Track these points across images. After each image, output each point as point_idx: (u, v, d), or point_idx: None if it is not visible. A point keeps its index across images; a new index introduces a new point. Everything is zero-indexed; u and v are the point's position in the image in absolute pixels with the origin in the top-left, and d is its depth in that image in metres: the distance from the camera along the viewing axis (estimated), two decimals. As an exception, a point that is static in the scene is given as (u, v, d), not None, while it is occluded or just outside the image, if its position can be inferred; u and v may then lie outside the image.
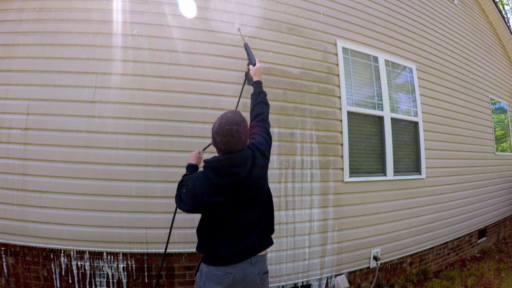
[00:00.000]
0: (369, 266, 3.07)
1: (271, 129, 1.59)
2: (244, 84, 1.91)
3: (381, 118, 3.28)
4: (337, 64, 3.04)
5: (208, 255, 1.36)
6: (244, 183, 1.30)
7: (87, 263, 2.25)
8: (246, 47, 1.94)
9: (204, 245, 1.39)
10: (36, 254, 2.25)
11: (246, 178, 1.30)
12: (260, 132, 1.50)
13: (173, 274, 2.33)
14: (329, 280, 2.80)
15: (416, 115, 3.64)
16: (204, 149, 1.91)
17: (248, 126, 1.44)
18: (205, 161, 1.33)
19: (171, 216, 2.31)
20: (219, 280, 1.30)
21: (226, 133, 1.27)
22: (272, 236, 1.51)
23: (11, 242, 2.25)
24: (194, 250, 2.35)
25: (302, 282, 2.68)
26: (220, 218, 1.34)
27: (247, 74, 1.84)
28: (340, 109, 2.98)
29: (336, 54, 3.05)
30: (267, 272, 1.43)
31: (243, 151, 1.31)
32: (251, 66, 1.80)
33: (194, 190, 1.31)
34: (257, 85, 1.73)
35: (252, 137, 1.47)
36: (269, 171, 2.54)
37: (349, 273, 2.94)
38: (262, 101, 1.65)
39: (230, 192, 1.29)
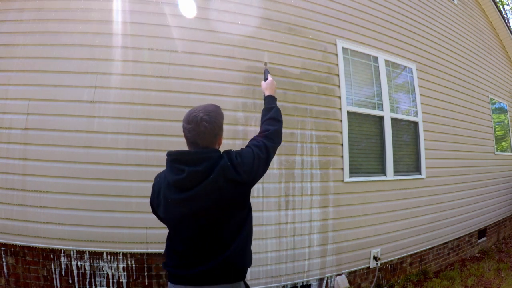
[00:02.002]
0: (369, 266, 3.07)
1: None
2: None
3: (381, 118, 3.28)
4: (337, 64, 3.04)
5: (167, 270, 1.21)
6: (193, 189, 1.08)
7: (87, 263, 2.25)
8: (266, 71, 1.84)
9: (164, 256, 1.24)
10: (36, 254, 2.25)
11: (197, 183, 1.08)
12: (252, 145, 1.26)
13: (173, 274, 2.33)
14: (329, 280, 2.80)
15: (416, 115, 3.63)
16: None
17: (222, 122, 1.24)
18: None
19: (171, 216, 2.32)
20: None
21: (192, 119, 1.13)
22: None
23: (11, 242, 2.25)
24: (194, 250, 2.35)
25: (302, 282, 2.68)
26: (171, 224, 1.20)
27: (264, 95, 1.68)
28: (340, 109, 2.98)
29: (336, 54, 3.05)
30: None
31: (204, 150, 1.13)
32: (262, 82, 1.69)
33: (154, 186, 1.24)
34: (269, 100, 1.55)
35: (242, 148, 1.27)
36: (269, 171, 2.57)
37: (349, 273, 2.94)
38: (271, 117, 1.41)
39: (179, 193, 1.10)
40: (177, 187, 1.11)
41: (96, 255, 2.26)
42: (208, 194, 1.08)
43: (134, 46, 2.40)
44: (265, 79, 1.71)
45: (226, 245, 1.14)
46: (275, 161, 2.60)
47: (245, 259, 1.21)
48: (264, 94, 1.65)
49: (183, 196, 1.10)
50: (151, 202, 1.27)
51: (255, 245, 2.47)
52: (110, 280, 2.26)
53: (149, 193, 2.37)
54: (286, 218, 2.62)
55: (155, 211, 1.28)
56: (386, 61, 3.44)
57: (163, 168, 2.38)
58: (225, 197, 1.11)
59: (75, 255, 2.25)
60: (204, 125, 1.13)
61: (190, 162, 1.10)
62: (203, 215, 1.11)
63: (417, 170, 3.60)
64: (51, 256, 2.24)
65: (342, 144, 2.94)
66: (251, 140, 1.33)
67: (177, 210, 1.12)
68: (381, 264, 3.14)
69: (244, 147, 1.28)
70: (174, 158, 1.13)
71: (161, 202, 1.17)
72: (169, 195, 1.13)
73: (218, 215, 1.12)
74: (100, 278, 2.26)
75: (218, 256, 1.12)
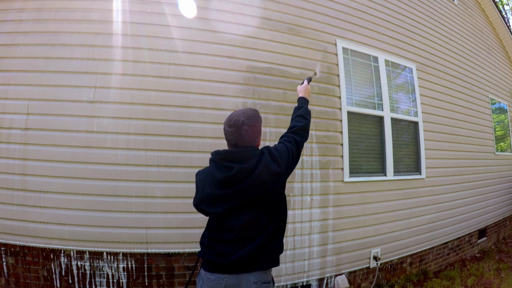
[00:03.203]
0: (369, 266, 3.07)
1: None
2: None
3: (381, 118, 3.28)
4: (337, 64, 3.04)
5: (204, 259, 1.32)
6: (242, 183, 1.21)
7: (87, 263, 2.25)
8: (307, 78, 1.97)
9: (202, 246, 1.34)
10: (36, 254, 2.25)
11: (244, 178, 1.21)
12: (284, 141, 1.41)
13: (173, 274, 2.33)
14: (329, 280, 2.80)
15: (416, 115, 3.63)
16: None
17: (261, 126, 1.36)
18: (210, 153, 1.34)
19: (171, 216, 2.33)
20: (212, 285, 1.26)
21: (233, 123, 1.26)
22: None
23: (11, 242, 2.25)
24: (194, 250, 2.35)
25: (302, 282, 2.68)
26: (216, 217, 1.30)
27: None
28: (340, 109, 2.98)
29: (336, 54, 3.05)
30: (269, 282, 1.28)
31: (248, 148, 1.26)
32: (298, 86, 1.85)
33: (198, 183, 1.34)
34: (300, 100, 1.72)
35: (275, 144, 1.41)
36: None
37: (349, 273, 2.94)
38: (300, 115, 1.58)
39: (227, 188, 1.23)
40: (225, 183, 1.23)
41: (96, 255, 2.26)
42: (253, 187, 1.21)
43: (134, 46, 2.40)
44: (301, 83, 1.89)
45: (263, 231, 1.25)
46: (275, 161, 2.60)
47: (279, 244, 1.31)
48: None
49: (230, 191, 1.22)
50: (195, 199, 1.37)
51: (255, 245, 2.47)
52: (110, 280, 2.26)
53: (148, 193, 2.42)
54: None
55: (197, 206, 1.37)
56: (386, 61, 3.44)
57: (163, 168, 2.42)
58: (267, 188, 1.24)
59: (75, 255, 2.25)
60: (245, 128, 1.25)
61: (238, 159, 1.23)
62: (248, 206, 1.23)
63: (417, 170, 3.59)
64: (51, 256, 2.24)
65: (342, 144, 2.94)
66: (282, 137, 1.47)
67: (224, 203, 1.24)
68: (381, 264, 3.14)
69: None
70: (223, 157, 1.26)
71: (206, 198, 1.28)
72: (216, 191, 1.25)
73: (261, 204, 1.25)
74: (100, 278, 2.26)
75: (255, 240, 1.23)
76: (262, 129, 2.58)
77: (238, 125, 1.25)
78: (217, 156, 1.28)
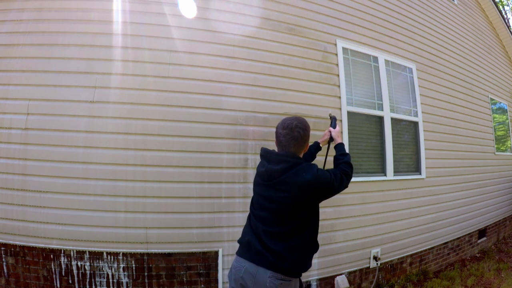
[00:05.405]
0: (369, 266, 3.07)
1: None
2: (329, 142, 1.96)
3: (381, 118, 3.28)
4: (337, 64, 3.04)
5: (238, 242, 1.47)
6: (268, 180, 1.37)
7: (87, 263, 2.25)
8: (334, 118, 2.06)
9: (242, 233, 1.49)
10: (36, 254, 2.25)
11: (273, 179, 1.35)
12: (332, 171, 1.47)
13: (173, 274, 2.33)
14: (329, 280, 2.80)
15: (416, 115, 3.63)
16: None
17: (309, 136, 1.47)
18: None
19: (171, 216, 2.33)
20: (234, 272, 1.37)
21: (287, 125, 1.38)
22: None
23: (11, 242, 2.25)
24: (194, 250, 2.35)
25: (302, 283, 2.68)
26: (256, 194, 1.48)
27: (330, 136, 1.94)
28: (340, 109, 2.98)
29: (336, 54, 3.05)
30: (287, 281, 1.31)
31: (285, 153, 1.38)
32: (331, 128, 1.93)
33: (257, 166, 1.54)
34: (340, 147, 1.79)
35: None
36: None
37: (349, 273, 2.93)
38: (346, 161, 1.65)
39: (263, 180, 1.41)
40: (261, 176, 1.43)
41: (96, 255, 2.26)
42: (278, 189, 1.34)
43: (134, 46, 2.40)
44: (334, 126, 1.95)
45: (283, 239, 1.33)
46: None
47: (295, 259, 1.33)
48: (331, 137, 1.90)
49: (264, 183, 1.41)
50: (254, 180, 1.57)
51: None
52: (110, 280, 2.26)
53: (147, 193, 2.44)
54: (286, 218, 2.62)
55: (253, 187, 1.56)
56: (386, 61, 3.44)
57: (163, 168, 2.46)
58: (293, 200, 1.32)
59: (75, 255, 2.25)
60: (298, 131, 1.37)
61: (270, 161, 1.39)
62: (274, 204, 1.35)
63: (417, 170, 3.59)
64: (51, 256, 2.24)
65: (342, 144, 2.94)
66: (335, 166, 1.60)
67: (260, 191, 1.44)
68: (381, 264, 3.14)
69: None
70: (261, 154, 1.48)
71: (255, 178, 1.51)
72: (257, 179, 1.48)
73: (284, 208, 1.34)
74: (100, 278, 2.26)
75: (275, 245, 1.32)
76: (265, 129, 2.60)
77: (292, 128, 1.36)
78: (261, 152, 1.48)
